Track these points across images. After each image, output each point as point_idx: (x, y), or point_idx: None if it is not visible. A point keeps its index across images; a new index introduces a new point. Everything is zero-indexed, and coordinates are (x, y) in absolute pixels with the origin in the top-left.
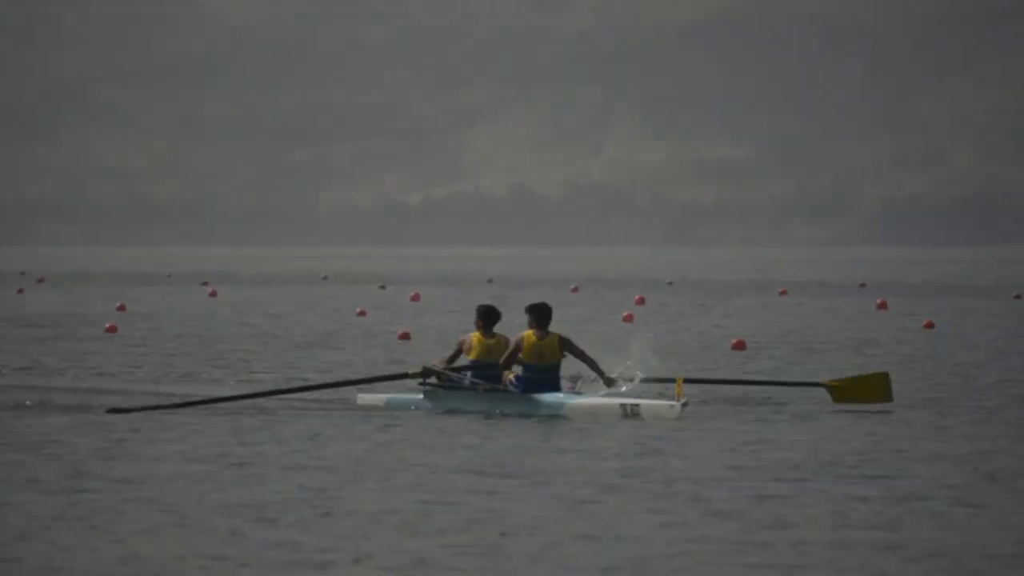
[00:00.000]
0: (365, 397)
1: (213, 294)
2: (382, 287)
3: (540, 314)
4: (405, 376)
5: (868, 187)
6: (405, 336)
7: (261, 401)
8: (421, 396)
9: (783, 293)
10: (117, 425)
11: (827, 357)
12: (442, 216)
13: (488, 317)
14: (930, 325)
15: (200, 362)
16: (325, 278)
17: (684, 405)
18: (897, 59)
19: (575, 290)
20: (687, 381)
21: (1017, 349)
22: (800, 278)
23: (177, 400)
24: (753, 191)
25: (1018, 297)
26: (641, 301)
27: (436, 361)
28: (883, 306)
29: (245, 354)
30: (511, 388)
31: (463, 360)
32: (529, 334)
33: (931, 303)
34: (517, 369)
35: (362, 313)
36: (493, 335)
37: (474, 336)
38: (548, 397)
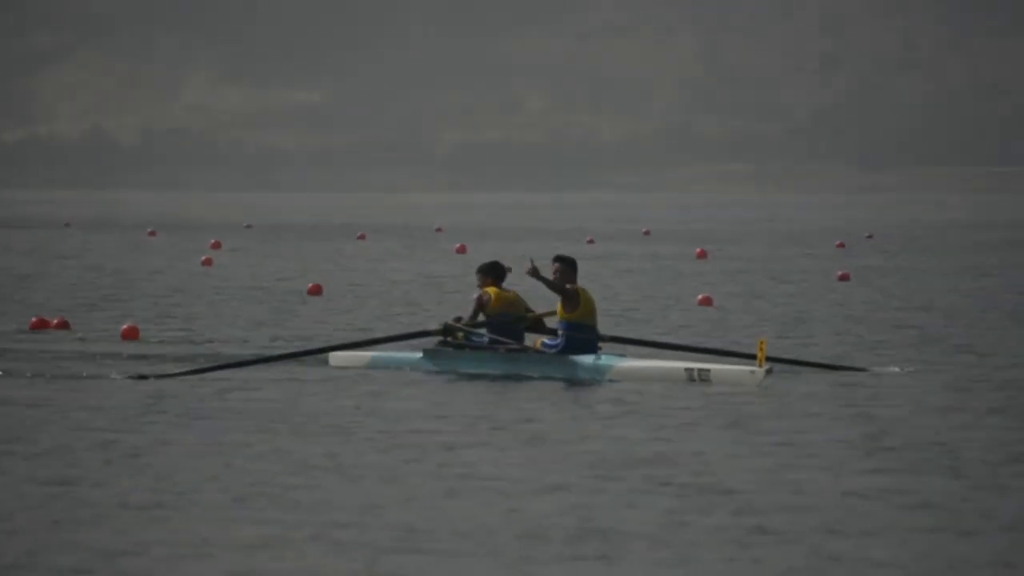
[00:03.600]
0: (339, 356)
1: None
2: None
3: (569, 266)
4: (425, 334)
5: (444, 133)
6: None
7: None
8: (420, 355)
9: (361, 237)
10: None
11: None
12: (16, 160)
13: (495, 272)
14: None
15: None
16: None
17: (768, 372)
18: (472, 6)
19: (152, 234)
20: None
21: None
22: (378, 222)
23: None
24: (330, 136)
25: (592, 242)
26: (217, 245)
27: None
28: (462, 250)
29: None
30: (544, 350)
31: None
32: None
33: (511, 247)
34: (542, 338)
35: None
36: (507, 289)
37: (491, 290)
38: (587, 359)
